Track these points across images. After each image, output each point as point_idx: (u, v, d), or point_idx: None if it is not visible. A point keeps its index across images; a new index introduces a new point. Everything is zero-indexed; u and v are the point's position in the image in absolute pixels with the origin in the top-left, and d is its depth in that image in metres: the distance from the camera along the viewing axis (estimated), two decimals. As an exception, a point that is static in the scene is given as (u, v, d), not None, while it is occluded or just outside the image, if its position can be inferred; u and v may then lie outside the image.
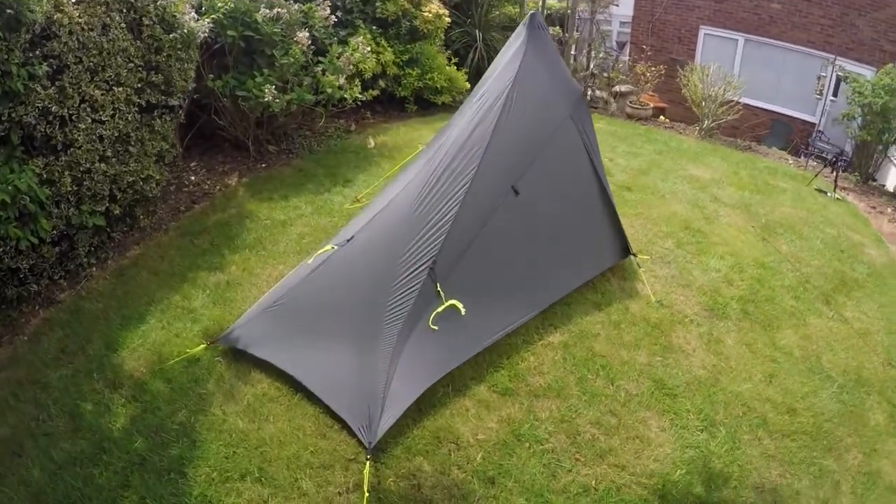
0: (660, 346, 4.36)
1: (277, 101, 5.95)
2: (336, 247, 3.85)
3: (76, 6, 3.79)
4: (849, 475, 3.47)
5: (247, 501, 2.88)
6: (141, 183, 4.67)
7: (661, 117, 11.45)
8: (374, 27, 8.26)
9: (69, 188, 4.00)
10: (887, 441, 3.80)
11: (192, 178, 6.16)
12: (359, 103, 7.36)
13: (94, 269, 4.50)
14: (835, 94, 9.86)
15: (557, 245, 4.45)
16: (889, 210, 7.94)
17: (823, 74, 9.71)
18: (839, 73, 9.24)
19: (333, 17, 7.00)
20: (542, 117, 4.30)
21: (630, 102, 11.15)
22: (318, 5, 6.61)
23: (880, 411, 4.05)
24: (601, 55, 11.05)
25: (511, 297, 4.03)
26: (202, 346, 3.73)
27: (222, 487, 2.92)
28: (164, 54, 4.62)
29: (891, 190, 9.05)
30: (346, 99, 6.85)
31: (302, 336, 3.61)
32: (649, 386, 3.94)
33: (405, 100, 9.21)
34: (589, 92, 11.22)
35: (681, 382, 4.01)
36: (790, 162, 9.72)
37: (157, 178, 4.92)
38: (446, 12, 9.12)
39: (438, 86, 9.25)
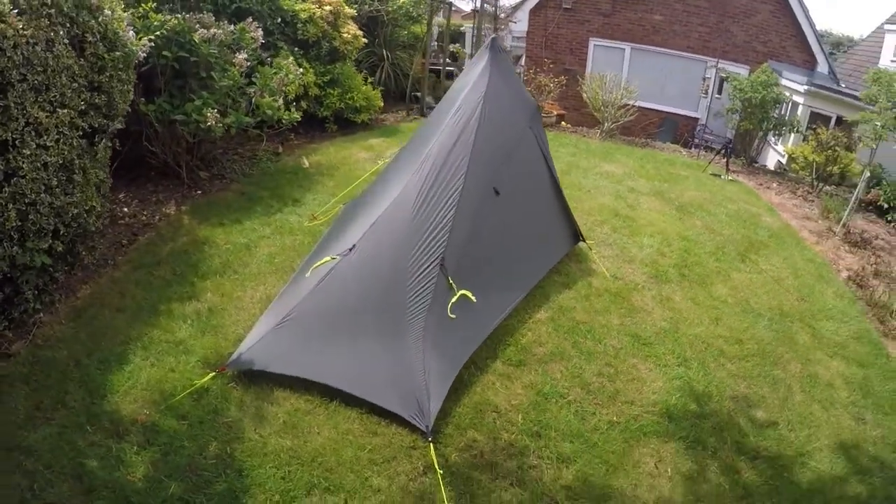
0: (625, 309, 5.07)
1: (220, 124, 5.87)
2: (338, 257, 4.03)
3: (19, 17, 3.55)
4: (795, 380, 4.57)
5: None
6: (84, 215, 4.36)
7: (563, 123, 12.73)
8: (295, 49, 8.38)
9: (14, 223, 3.67)
10: (815, 353, 4.97)
11: (125, 209, 5.85)
12: (283, 125, 7.44)
13: (42, 314, 4.13)
14: (719, 92, 11.66)
15: (529, 236, 5.19)
16: (773, 185, 9.64)
17: (708, 76, 11.47)
18: (722, 74, 10.99)
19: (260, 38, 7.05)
20: (508, 128, 4.96)
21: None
22: (249, 26, 6.62)
23: (804, 333, 5.20)
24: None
25: (504, 283, 4.51)
26: (210, 375, 3.66)
27: (292, 507, 2.93)
28: (107, 74, 4.41)
29: (771, 168, 10.93)
30: (283, 120, 6.89)
31: (324, 345, 3.72)
32: (629, 340, 4.70)
33: (325, 120, 9.37)
34: None
35: (651, 334, 4.79)
36: (683, 153, 11.36)
37: (99, 209, 4.64)
38: (361, 33, 9.48)
39: (358, 105, 9.60)
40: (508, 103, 5.01)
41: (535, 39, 13.30)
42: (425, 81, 11.46)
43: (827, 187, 9.51)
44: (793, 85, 10.62)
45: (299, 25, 8.51)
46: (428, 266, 3.88)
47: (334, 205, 6.20)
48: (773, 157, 11.73)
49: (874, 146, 7.61)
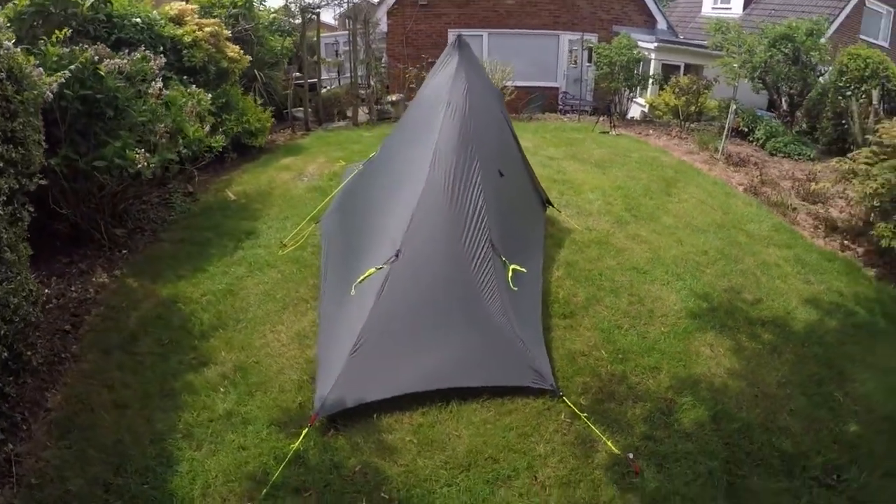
0: (613, 251, 6.25)
1: (152, 164, 5.70)
2: (384, 266, 4.35)
3: None
4: (755, 268, 6.19)
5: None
6: (24, 304, 3.83)
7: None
8: (183, 77, 8.27)
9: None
10: (755, 247, 6.69)
11: (46, 290, 5.09)
12: (208, 157, 7.38)
13: (13, 446, 3.56)
14: (589, 61, 13.58)
15: (525, 208, 6.18)
16: (650, 132, 11.72)
17: (575, 48, 13.35)
18: (589, 45, 12.89)
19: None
20: (489, 115, 5.80)
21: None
22: (150, 54, 6.52)
23: (741, 235, 6.96)
24: (382, 70, 12.79)
25: (527, 252, 5.32)
26: (303, 431, 3.64)
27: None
28: (20, 121, 3.97)
29: (638, 118, 13.13)
30: (211, 149, 6.90)
31: (413, 353, 4.05)
32: (632, 273, 5.89)
33: (224, 149, 9.26)
34: (377, 107, 12.90)
35: (643, 264, 6.04)
36: (566, 119, 13.12)
37: (36, 293, 4.16)
38: (242, 51, 9.57)
39: (253, 128, 9.64)
40: (484, 92, 5.88)
41: (396, 38, 14.27)
42: (306, 97, 11.77)
43: (691, 125, 11.81)
44: (644, 44, 12.98)
45: (184, 51, 8.41)
46: (482, 249, 4.54)
47: (300, 229, 6.39)
48: (636, 109, 14.09)
49: (735, 84, 9.82)
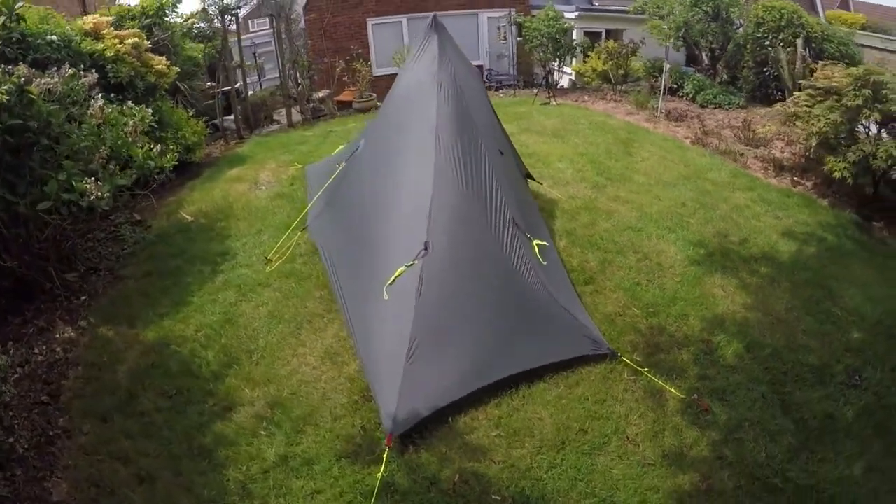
0: (603, 214, 6.77)
1: (105, 193, 5.10)
2: (415, 262, 4.40)
3: None
4: (730, 212, 6.96)
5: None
6: None
7: (376, 102, 13.95)
8: (111, 94, 7.84)
9: None
10: (723, 192, 7.48)
11: (4, 358, 4.28)
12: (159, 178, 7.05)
13: None
14: (520, 35, 14.01)
15: (520, 184, 6.47)
16: (586, 98, 12.43)
17: (503, 24, 13.77)
18: (518, 20, 13.32)
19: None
20: (476, 94, 6.00)
21: (354, 99, 13.25)
22: (80, 72, 6.14)
23: (707, 184, 7.74)
24: (310, 66, 12.65)
25: (536, 225, 5.63)
26: (383, 455, 3.57)
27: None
28: None
29: (567, 87, 13.85)
30: (162, 170, 6.62)
31: (471, 347, 4.17)
32: (629, 232, 6.42)
33: (160, 169, 8.83)
34: (310, 105, 12.79)
35: (635, 222, 6.63)
36: (502, 95, 13.59)
37: (2, 366, 3.77)
38: (168, 62, 9.17)
39: (190, 142, 9.31)
40: (467, 72, 6.08)
41: (315, 33, 14.09)
42: (235, 104, 11.46)
43: (620, 87, 12.66)
44: (566, 14, 13.64)
45: (108, 67, 7.97)
46: (507, 228, 4.80)
47: (282, 240, 6.23)
48: (564, 78, 14.83)
49: (668, 44, 10.65)
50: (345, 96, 13.62)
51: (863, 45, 10.59)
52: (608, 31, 13.83)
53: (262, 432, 3.92)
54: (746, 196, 7.27)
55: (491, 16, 14.64)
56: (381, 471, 3.46)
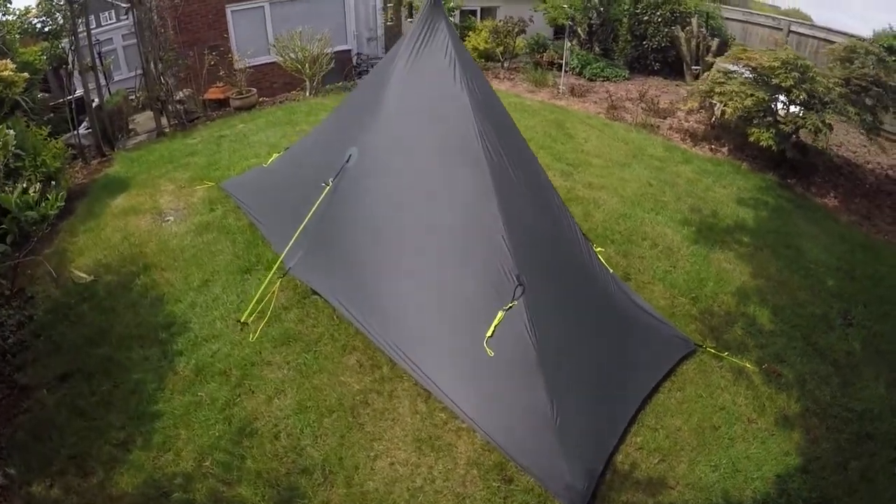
0: (590, 204, 7.51)
1: None
2: (514, 302, 4.20)
3: None
4: (686, 185, 8.13)
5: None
6: None
7: (257, 98, 13.13)
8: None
9: None
10: (669, 166, 8.67)
11: None
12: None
13: None
14: (410, 15, 13.87)
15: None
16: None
17: (390, 4, 13.53)
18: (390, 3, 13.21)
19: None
20: (485, 83, 5.55)
21: (232, 96, 12.31)
22: None
23: (653, 161, 8.85)
24: (175, 62, 11.48)
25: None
26: None
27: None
28: None
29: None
30: (48, 216, 5.84)
31: (598, 388, 4.31)
32: (622, 220, 7.16)
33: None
34: (182, 107, 11.68)
35: (621, 208, 7.43)
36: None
37: None
38: (14, 66, 7.80)
39: (53, 169, 7.80)
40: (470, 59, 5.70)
41: (168, 25, 12.66)
42: (93, 115, 10.03)
43: (506, 65, 13.45)
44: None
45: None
46: (576, 237, 5.13)
47: (244, 289, 5.49)
48: None
49: (569, 22, 11.54)
50: (213, 94, 12.55)
51: (727, 18, 12.60)
52: (483, 10, 14.47)
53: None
54: (689, 169, 8.51)
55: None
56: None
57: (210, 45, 12.93)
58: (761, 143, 7.88)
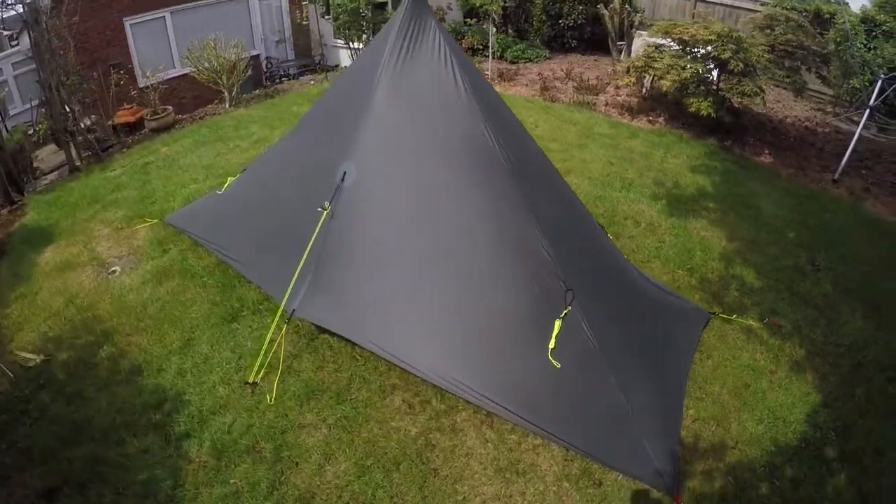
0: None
1: None
2: (569, 308, 4.29)
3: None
4: (640, 159, 8.72)
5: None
6: None
7: (174, 115, 12.42)
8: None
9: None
10: (622, 144, 9.22)
11: None
12: None
13: None
14: (328, 13, 13.48)
15: None
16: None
17: (306, 2, 13.10)
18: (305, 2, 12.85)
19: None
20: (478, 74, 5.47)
21: (146, 117, 11.60)
22: None
23: (604, 139, 9.41)
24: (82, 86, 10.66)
25: None
26: None
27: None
28: None
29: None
30: None
31: (651, 360, 4.60)
32: (601, 201, 7.62)
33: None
34: (91, 136, 10.91)
35: (595, 191, 7.87)
36: (312, 84, 13.34)
37: None
38: None
39: None
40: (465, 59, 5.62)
41: (68, 43, 11.66)
42: None
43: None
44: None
45: None
46: (596, 228, 5.51)
47: (240, 343, 4.96)
48: (345, 54, 14.97)
49: (496, 9, 11.79)
50: (123, 117, 11.72)
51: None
52: (395, 2, 14.40)
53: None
54: (638, 143, 9.14)
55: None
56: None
57: (111, 64, 12.09)
58: (701, 112, 8.61)
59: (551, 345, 4.15)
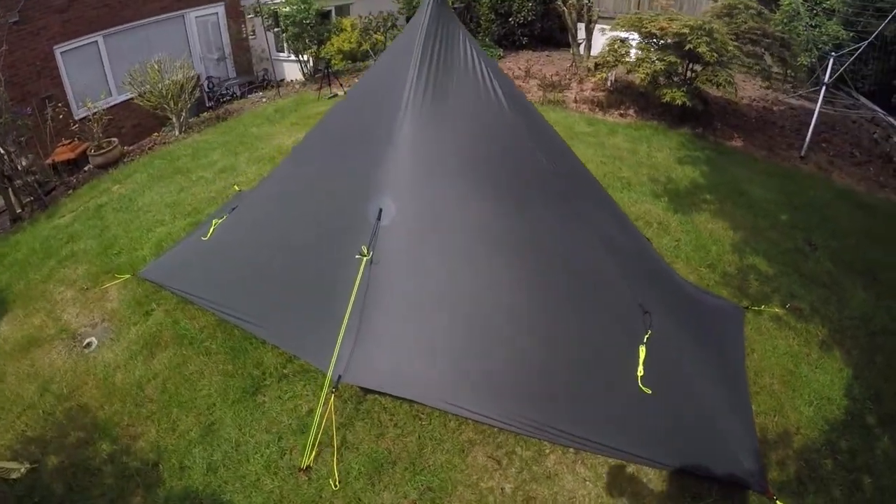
0: None
1: None
2: (650, 331, 4.42)
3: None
4: (629, 156, 9.06)
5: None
6: None
7: (122, 148, 11.82)
8: None
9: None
10: (605, 140, 9.57)
11: None
12: None
13: None
14: (278, 26, 13.06)
15: None
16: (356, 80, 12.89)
17: (250, 16, 12.66)
18: (272, 10, 12.44)
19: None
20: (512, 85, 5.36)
21: (90, 152, 11.00)
22: None
23: (587, 137, 9.70)
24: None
25: None
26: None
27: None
28: None
29: (303, 79, 13.93)
30: None
31: (716, 369, 4.78)
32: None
33: None
34: (31, 178, 10.28)
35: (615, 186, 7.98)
36: (265, 101, 12.99)
37: None
38: None
39: None
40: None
41: None
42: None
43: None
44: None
45: None
46: (642, 237, 5.79)
47: (299, 424, 4.39)
48: (291, 68, 14.66)
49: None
50: (63, 154, 11.00)
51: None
52: (338, 8, 14.21)
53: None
54: (620, 140, 9.50)
55: (199, 14, 13.36)
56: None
57: (44, 97, 11.38)
58: (676, 102, 9.05)
59: (640, 372, 4.20)
